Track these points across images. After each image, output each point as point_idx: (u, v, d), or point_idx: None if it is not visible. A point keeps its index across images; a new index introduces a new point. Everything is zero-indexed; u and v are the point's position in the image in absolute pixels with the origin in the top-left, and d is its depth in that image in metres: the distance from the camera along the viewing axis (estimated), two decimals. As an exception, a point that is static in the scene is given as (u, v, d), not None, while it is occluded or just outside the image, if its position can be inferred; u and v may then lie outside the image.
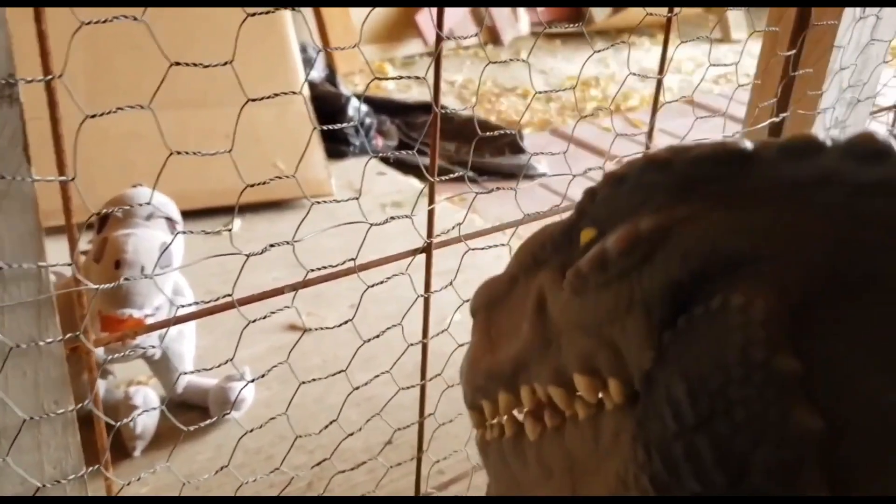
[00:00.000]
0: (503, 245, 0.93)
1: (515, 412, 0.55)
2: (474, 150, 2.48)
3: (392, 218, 0.78)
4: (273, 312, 0.75)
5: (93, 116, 0.56)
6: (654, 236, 0.41)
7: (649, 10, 0.89)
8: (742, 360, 0.35)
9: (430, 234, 0.83)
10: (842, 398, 0.34)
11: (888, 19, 1.11)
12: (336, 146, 2.34)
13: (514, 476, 0.54)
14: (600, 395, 0.47)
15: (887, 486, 0.33)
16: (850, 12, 1.05)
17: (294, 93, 0.65)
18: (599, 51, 0.89)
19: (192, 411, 1.40)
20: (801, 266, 0.36)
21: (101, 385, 1.36)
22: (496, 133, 0.88)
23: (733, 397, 0.35)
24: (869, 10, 1.08)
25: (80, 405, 0.64)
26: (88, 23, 0.55)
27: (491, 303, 0.56)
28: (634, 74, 0.92)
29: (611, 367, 0.45)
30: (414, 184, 2.31)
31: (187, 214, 1.67)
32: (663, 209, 0.42)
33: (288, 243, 0.71)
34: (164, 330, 0.85)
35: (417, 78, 0.73)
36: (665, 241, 0.41)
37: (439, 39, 0.72)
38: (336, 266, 0.76)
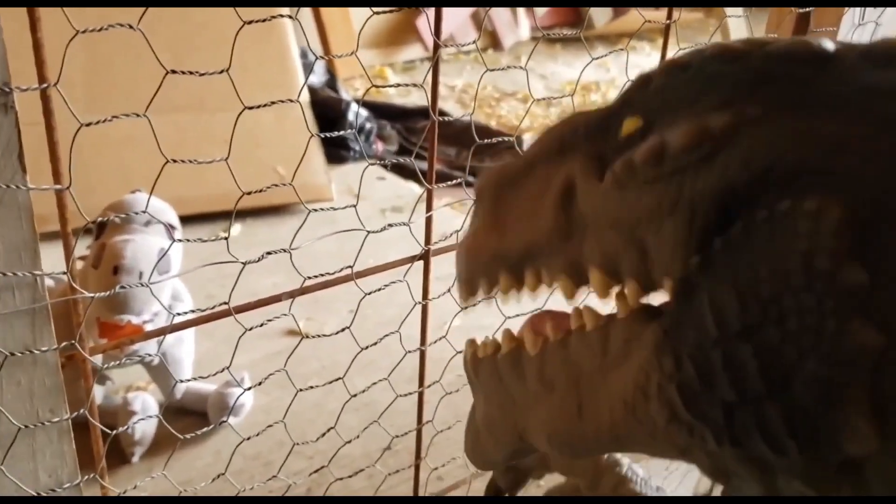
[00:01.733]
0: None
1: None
2: (474, 155, 2.48)
3: (390, 225, 0.78)
4: (270, 320, 0.75)
5: (88, 125, 0.56)
6: (724, 135, 0.38)
7: (648, 17, 0.89)
8: (805, 268, 0.34)
9: (427, 241, 0.83)
10: None
11: (888, 25, 1.11)
12: (336, 151, 2.35)
13: (510, 393, 0.51)
14: (608, 295, 0.45)
15: None
16: (848, 19, 1.05)
17: (291, 100, 0.65)
18: (597, 58, 0.89)
19: (191, 417, 1.40)
20: (873, 181, 0.34)
21: (100, 391, 1.36)
22: (494, 140, 0.88)
23: (788, 305, 0.34)
24: (868, 16, 1.07)
25: (75, 413, 0.64)
26: (84, 31, 0.54)
27: (501, 185, 0.51)
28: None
29: (633, 268, 0.42)
30: (414, 188, 2.31)
31: (187, 219, 1.67)
32: (732, 105, 0.39)
33: (285, 251, 0.71)
34: (162, 336, 0.84)
35: (415, 85, 0.72)
36: (732, 142, 0.38)
37: (437, 47, 0.72)
38: (334, 273, 0.75)
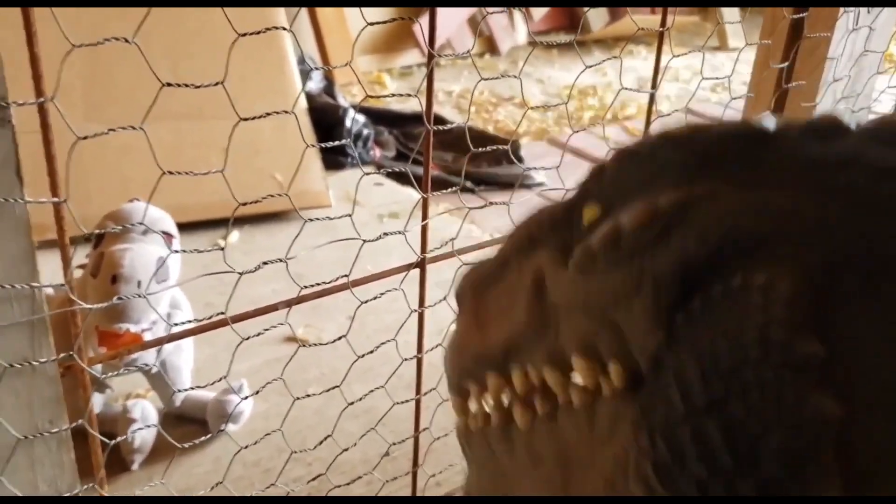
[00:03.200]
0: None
1: (504, 398, 0.52)
2: (472, 161, 2.49)
3: (385, 234, 0.78)
4: (267, 329, 0.75)
5: (84, 138, 0.56)
6: (673, 212, 0.39)
7: (641, 24, 0.89)
8: (761, 340, 0.34)
9: (423, 249, 0.83)
10: (860, 385, 0.33)
11: (881, 30, 1.11)
12: (334, 157, 2.35)
13: (500, 465, 0.51)
14: (596, 382, 0.45)
15: None
16: (842, 24, 1.05)
17: (286, 112, 0.65)
18: (591, 66, 0.90)
19: (190, 424, 1.40)
20: (824, 249, 0.35)
21: (100, 398, 1.37)
22: (488, 148, 0.88)
23: (748, 379, 0.34)
24: (862, 21, 1.08)
25: (74, 424, 0.64)
26: (80, 46, 0.55)
27: (479, 286, 0.53)
28: (627, 89, 0.93)
29: (612, 350, 0.43)
30: (412, 194, 2.31)
31: (186, 227, 1.67)
32: (681, 185, 0.40)
33: (281, 260, 0.71)
34: (159, 346, 0.85)
35: (410, 95, 0.73)
36: (683, 219, 0.39)
37: (430, 57, 0.72)
38: (329, 282, 0.76)
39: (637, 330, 0.41)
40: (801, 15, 1.04)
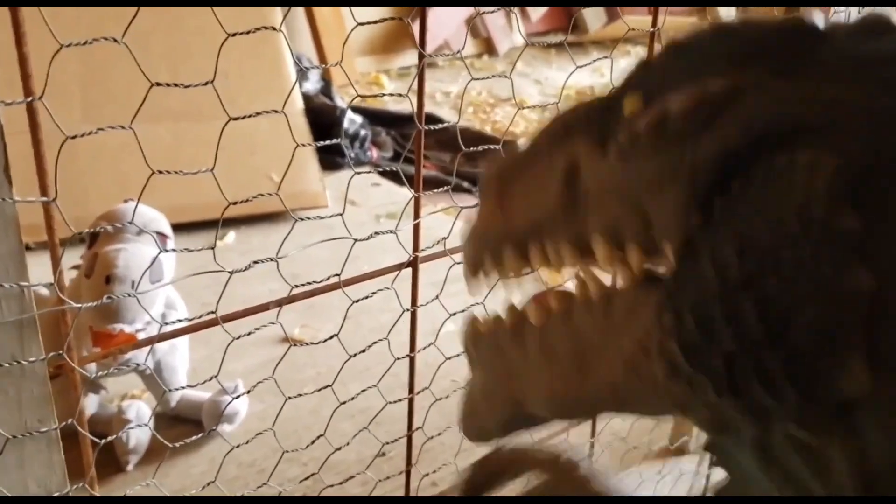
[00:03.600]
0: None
1: (516, 303, 0.54)
2: (469, 161, 2.49)
3: (377, 233, 0.79)
4: (258, 328, 0.75)
5: (73, 137, 0.56)
6: (722, 98, 0.40)
7: (632, 24, 0.89)
8: (801, 217, 0.35)
9: (415, 248, 0.84)
10: (892, 266, 0.34)
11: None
12: (331, 158, 2.36)
13: (510, 365, 0.53)
14: (611, 263, 0.47)
15: None
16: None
17: (276, 111, 0.65)
18: (582, 66, 0.90)
19: (185, 425, 1.40)
20: (866, 137, 0.36)
21: (94, 399, 1.37)
22: (480, 148, 0.89)
23: (786, 255, 0.36)
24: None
25: (63, 423, 0.64)
26: (68, 45, 0.55)
27: (506, 173, 0.53)
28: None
29: (636, 234, 0.44)
30: (409, 195, 2.32)
31: (182, 227, 1.68)
32: (731, 73, 0.41)
33: (272, 259, 0.71)
34: (151, 345, 0.85)
35: (401, 95, 0.73)
36: (731, 104, 0.40)
37: (421, 57, 0.73)
38: (321, 281, 0.76)
39: (666, 216, 0.42)
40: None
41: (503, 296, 0.56)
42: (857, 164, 0.35)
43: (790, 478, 0.40)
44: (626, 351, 0.43)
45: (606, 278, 0.49)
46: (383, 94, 0.73)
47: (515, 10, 4.01)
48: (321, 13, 3.27)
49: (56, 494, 0.65)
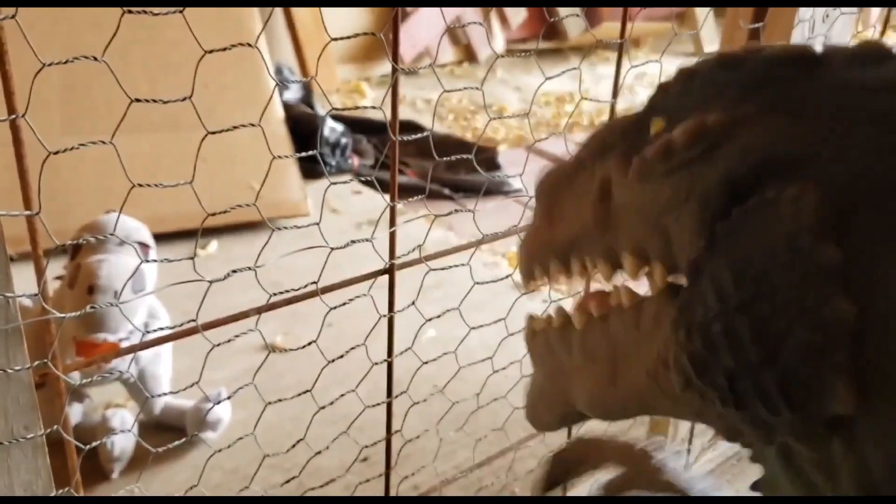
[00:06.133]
0: (464, 265, 0.95)
1: (566, 306, 0.58)
2: (451, 169, 2.51)
3: (353, 241, 0.81)
4: (237, 336, 0.77)
5: (56, 153, 0.58)
6: (719, 130, 0.43)
7: (616, 31, 0.92)
8: (789, 247, 0.38)
9: (392, 255, 0.86)
10: (875, 292, 0.36)
11: (837, 39, 1.14)
12: (312, 166, 2.37)
13: (559, 363, 0.57)
14: (639, 277, 0.50)
15: None
16: (798, 33, 1.08)
17: (253, 125, 0.67)
18: (550, 77, 0.92)
19: (170, 433, 1.42)
20: (854, 169, 0.38)
21: (78, 408, 1.38)
22: (453, 157, 0.91)
23: (776, 281, 0.38)
24: (818, 30, 1.11)
25: (49, 430, 0.66)
26: (50, 64, 0.57)
27: (555, 186, 0.57)
28: (588, 99, 0.95)
29: (659, 253, 0.47)
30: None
31: (163, 237, 1.69)
32: (731, 106, 0.44)
33: (250, 268, 0.73)
34: (133, 353, 0.86)
35: (374, 108, 0.75)
36: (729, 137, 0.43)
37: (394, 70, 0.75)
38: (299, 289, 0.78)
39: (683, 237, 0.45)
40: (757, 25, 1.07)
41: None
42: (839, 197, 0.37)
43: (809, 484, 0.43)
44: (649, 361, 0.47)
45: (642, 286, 0.53)
46: (357, 108, 0.75)
47: (494, 16, 4.03)
48: (302, 21, 3.28)
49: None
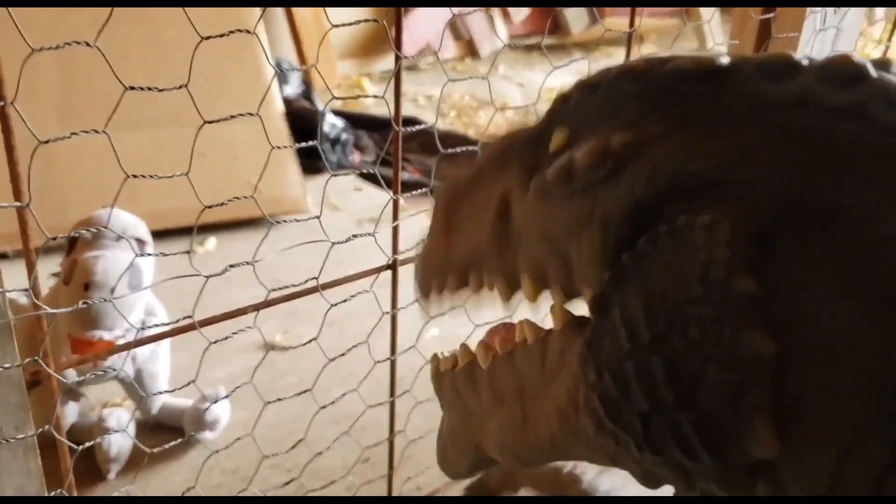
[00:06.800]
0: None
1: (470, 346, 0.55)
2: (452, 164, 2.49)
3: (355, 236, 0.78)
4: (236, 332, 0.75)
5: (46, 142, 0.56)
6: (624, 152, 0.40)
7: (622, 27, 0.90)
8: (702, 278, 0.35)
9: (395, 250, 0.84)
10: (796, 325, 0.34)
11: (848, 30, 1.12)
12: (312, 162, 2.34)
13: (468, 406, 0.53)
14: (537, 298, 0.47)
15: (832, 414, 0.33)
16: (810, 24, 1.06)
17: (251, 114, 0.65)
18: (558, 67, 0.90)
19: (168, 433, 1.39)
20: (769, 192, 0.36)
21: (74, 408, 1.36)
22: (458, 150, 0.89)
23: (690, 315, 0.35)
24: (829, 21, 1.09)
25: (40, 430, 0.64)
26: (39, 49, 0.55)
27: (454, 196, 0.54)
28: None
29: (558, 277, 0.44)
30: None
31: (161, 234, 1.67)
32: (635, 123, 0.41)
33: (249, 263, 0.71)
34: (133, 351, 0.84)
35: (377, 97, 0.73)
36: (634, 158, 0.40)
37: (398, 59, 0.73)
38: (298, 285, 0.76)
39: (582, 262, 0.42)
40: (768, 15, 1.04)
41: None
42: (756, 222, 0.35)
43: None
44: (559, 404, 0.43)
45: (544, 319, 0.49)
46: (359, 97, 0.72)
47: (496, 12, 4.01)
48: (302, 17, 3.26)
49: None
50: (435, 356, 0.58)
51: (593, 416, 0.40)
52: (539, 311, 0.49)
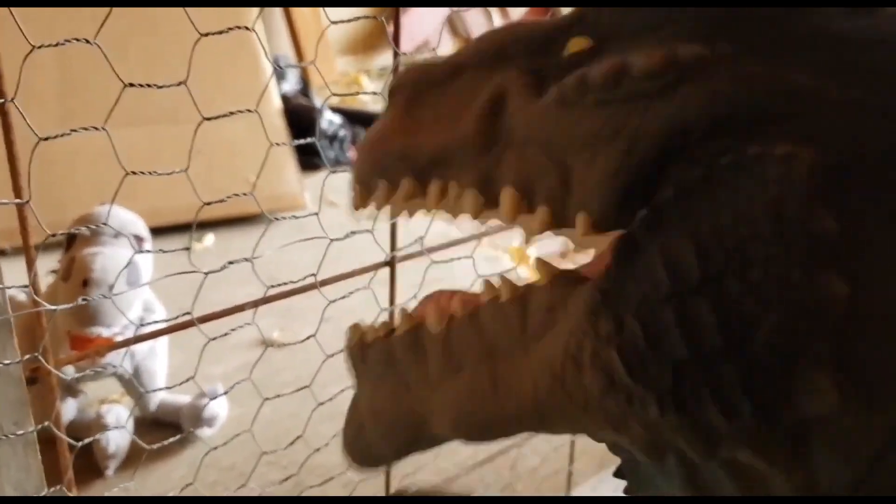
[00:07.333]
0: (467, 257, 0.94)
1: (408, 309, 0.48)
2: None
3: (353, 232, 0.79)
4: (234, 329, 0.75)
5: (45, 139, 0.56)
6: (691, 67, 0.36)
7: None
8: (774, 215, 0.32)
9: (392, 247, 0.84)
10: (870, 278, 0.31)
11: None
12: (310, 159, 2.35)
13: (403, 378, 0.46)
14: (514, 218, 0.42)
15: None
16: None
17: (249, 110, 0.65)
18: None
19: (166, 429, 1.39)
20: (845, 131, 0.33)
21: (73, 404, 1.36)
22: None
23: (752, 255, 0.32)
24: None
25: (40, 426, 0.64)
26: (39, 46, 0.55)
27: (421, 84, 0.47)
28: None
29: (550, 194, 0.40)
30: (389, 196, 2.31)
31: (160, 231, 1.67)
32: (701, 37, 0.37)
33: (247, 260, 0.71)
34: (132, 347, 0.85)
35: (374, 94, 0.73)
36: (697, 76, 0.36)
37: (395, 55, 0.73)
38: (296, 282, 0.76)
39: (589, 182, 0.38)
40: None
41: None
42: (834, 161, 0.32)
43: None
44: (552, 362, 0.39)
45: (520, 278, 0.43)
46: (357, 93, 0.73)
47: (494, 8, 4.01)
48: (300, 15, 3.26)
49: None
50: (356, 326, 0.51)
51: (603, 373, 0.36)
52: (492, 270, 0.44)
